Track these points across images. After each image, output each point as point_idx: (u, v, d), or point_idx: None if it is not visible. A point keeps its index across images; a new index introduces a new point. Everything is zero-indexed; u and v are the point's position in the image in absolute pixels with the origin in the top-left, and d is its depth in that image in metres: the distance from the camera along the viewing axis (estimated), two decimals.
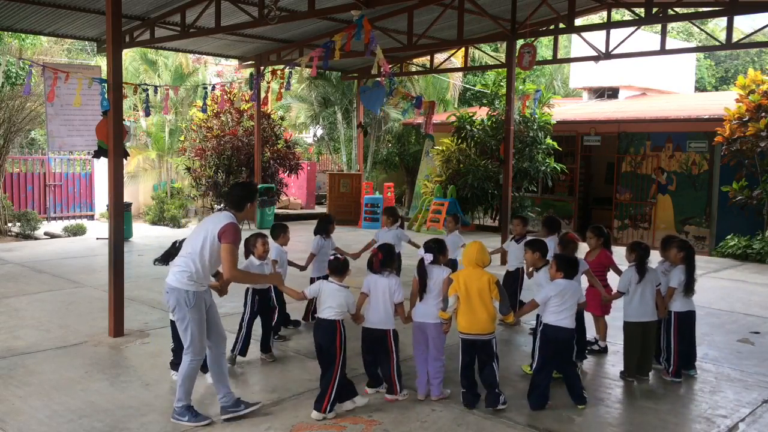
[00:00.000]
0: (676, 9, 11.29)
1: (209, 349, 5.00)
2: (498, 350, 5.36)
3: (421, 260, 5.39)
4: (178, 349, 5.47)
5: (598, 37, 13.13)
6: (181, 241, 5.31)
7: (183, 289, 4.73)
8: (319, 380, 5.14)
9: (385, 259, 5.33)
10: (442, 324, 5.34)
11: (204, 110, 13.18)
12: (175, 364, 5.65)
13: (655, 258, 6.45)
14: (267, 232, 6.77)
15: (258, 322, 6.41)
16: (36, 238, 15.58)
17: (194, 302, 4.78)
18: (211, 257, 4.82)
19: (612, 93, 21.14)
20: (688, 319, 6.12)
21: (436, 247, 5.45)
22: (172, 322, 5.44)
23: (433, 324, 5.32)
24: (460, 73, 22.74)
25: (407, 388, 5.44)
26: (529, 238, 7.05)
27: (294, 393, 5.50)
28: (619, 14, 23.14)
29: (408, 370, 5.73)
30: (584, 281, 6.23)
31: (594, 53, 12.96)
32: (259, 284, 6.34)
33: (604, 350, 6.80)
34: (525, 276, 7.13)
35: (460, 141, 17.02)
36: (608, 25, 12.07)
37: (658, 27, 13.97)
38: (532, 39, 12.07)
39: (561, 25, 12.66)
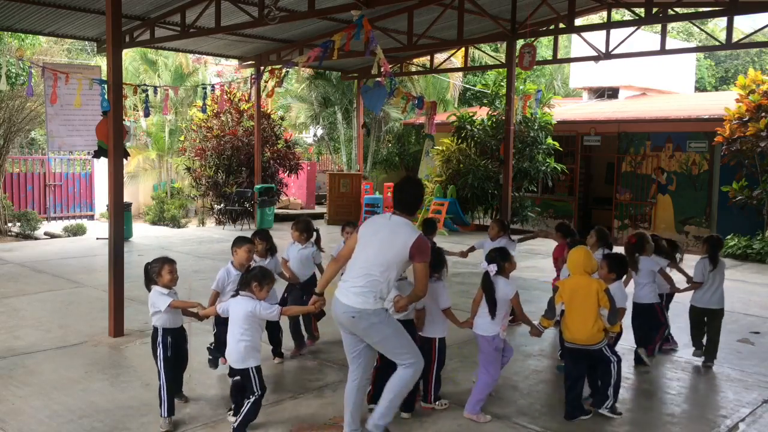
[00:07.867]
0: (676, 9, 11.29)
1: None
2: (614, 355, 5.09)
3: (486, 273, 4.97)
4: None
5: (598, 37, 13.13)
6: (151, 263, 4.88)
7: (374, 309, 4.21)
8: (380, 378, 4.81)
9: (435, 263, 4.90)
10: (494, 338, 4.98)
11: (204, 110, 13.18)
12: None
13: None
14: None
15: None
16: (36, 238, 15.59)
17: (387, 317, 4.31)
18: (398, 273, 4.37)
19: (612, 93, 21.12)
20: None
21: (500, 256, 5.02)
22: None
23: (484, 337, 5.00)
24: (460, 73, 22.74)
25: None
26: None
27: (294, 393, 5.50)
28: (619, 14, 23.14)
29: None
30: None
31: (594, 53, 12.97)
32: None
33: None
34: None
35: (460, 141, 17.03)
36: (608, 25, 12.08)
37: (658, 27, 13.96)
38: (532, 39, 12.08)
39: (561, 25, 12.68)
